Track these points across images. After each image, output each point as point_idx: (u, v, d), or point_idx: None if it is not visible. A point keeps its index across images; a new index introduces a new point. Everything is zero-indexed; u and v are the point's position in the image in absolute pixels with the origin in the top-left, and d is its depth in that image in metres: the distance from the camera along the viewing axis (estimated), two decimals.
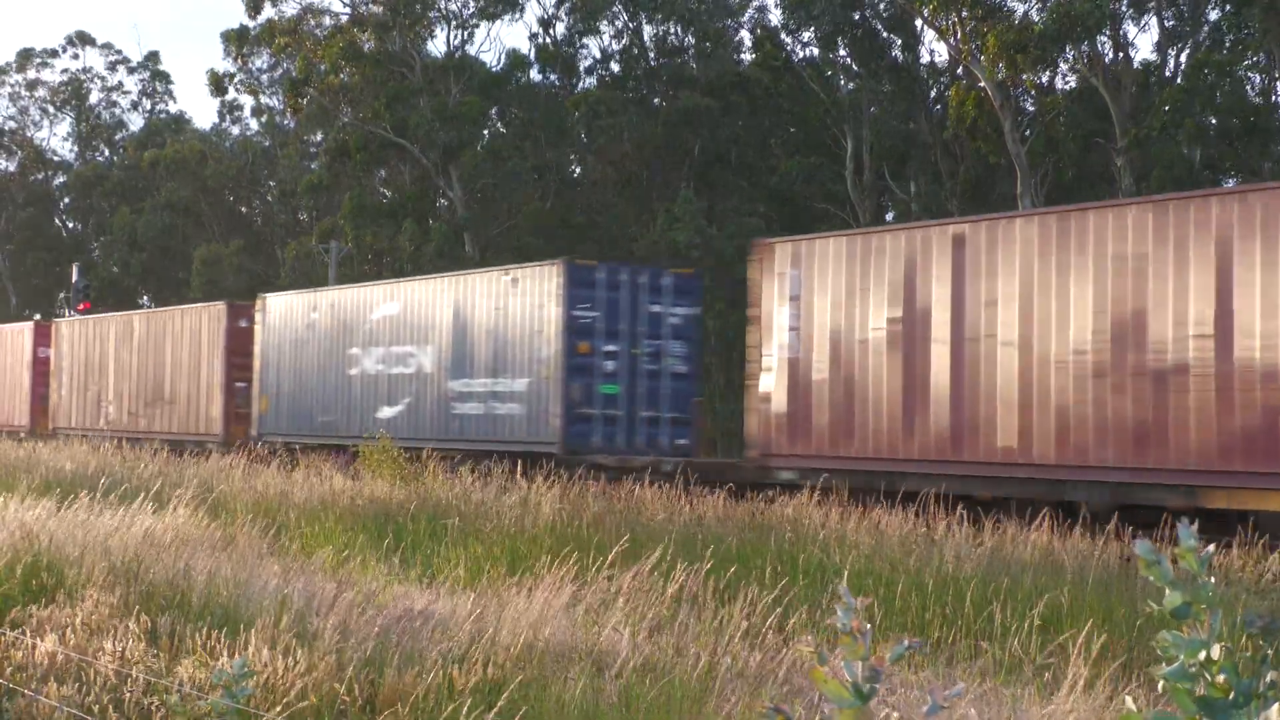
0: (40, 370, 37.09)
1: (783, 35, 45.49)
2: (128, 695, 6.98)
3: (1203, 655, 2.61)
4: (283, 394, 29.48)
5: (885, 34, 42.57)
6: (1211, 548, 2.79)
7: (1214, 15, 38.04)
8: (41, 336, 37.55)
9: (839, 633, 2.63)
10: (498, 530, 13.58)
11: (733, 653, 8.21)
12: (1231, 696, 2.58)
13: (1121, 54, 37.66)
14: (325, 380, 28.25)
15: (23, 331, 38.51)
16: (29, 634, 8.31)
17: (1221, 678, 2.60)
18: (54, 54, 73.90)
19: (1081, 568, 11.21)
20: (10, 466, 21.33)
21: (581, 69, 50.95)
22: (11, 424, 37.62)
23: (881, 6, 41.70)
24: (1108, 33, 36.66)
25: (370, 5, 48.96)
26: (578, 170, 51.28)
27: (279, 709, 6.68)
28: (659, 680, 7.46)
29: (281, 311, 30.08)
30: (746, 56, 48.83)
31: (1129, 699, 2.61)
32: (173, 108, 75.45)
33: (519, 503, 15.15)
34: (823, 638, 9.02)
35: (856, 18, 41.17)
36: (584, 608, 9.44)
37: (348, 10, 49.99)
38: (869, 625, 2.60)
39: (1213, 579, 2.71)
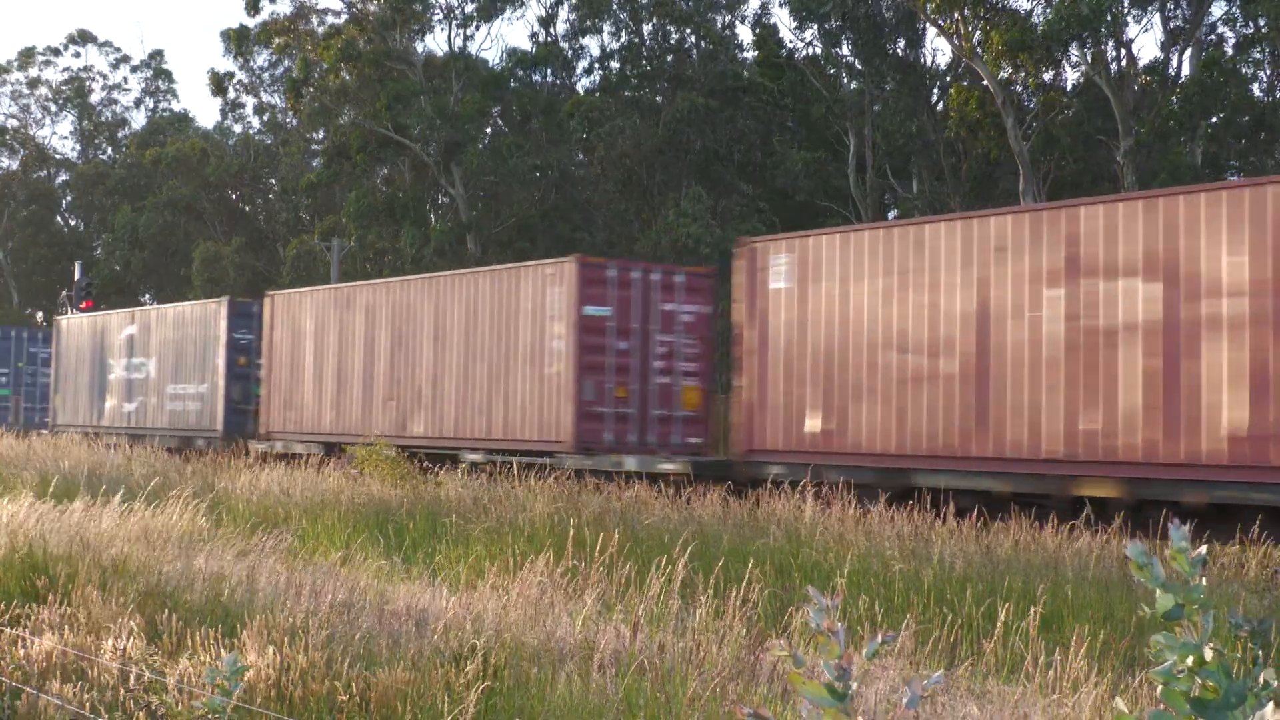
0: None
1: (782, 34, 45.53)
2: (123, 693, 6.97)
3: (1191, 660, 2.58)
4: None
5: (888, 31, 42.51)
6: (1204, 549, 2.75)
7: (1217, 11, 38.05)
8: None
9: (816, 633, 2.61)
10: (495, 529, 13.58)
11: (731, 646, 8.18)
12: (1222, 698, 2.56)
13: (1124, 51, 37.62)
14: None
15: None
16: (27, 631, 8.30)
17: (1210, 683, 2.57)
18: (56, 52, 74.09)
19: (1081, 566, 11.20)
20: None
21: (580, 68, 50.94)
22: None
23: (884, 4, 41.64)
24: (1110, 30, 36.60)
25: (368, 3, 48.89)
26: (580, 170, 51.23)
27: (274, 706, 6.67)
28: (657, 677, 7.43)
29: None
30: (748, 55, 48.78)
31: (1119, 701, 2.59)
32: (175, 106, 75.71)
33: (516, 500, 15.16)
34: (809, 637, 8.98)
35: (861, 16, 41.10)
36: (581, 603, 9.43)
37: (345, 10, 49.98)
38: (840, 624, 2.58)
39: (1204, 580, 2.67)
